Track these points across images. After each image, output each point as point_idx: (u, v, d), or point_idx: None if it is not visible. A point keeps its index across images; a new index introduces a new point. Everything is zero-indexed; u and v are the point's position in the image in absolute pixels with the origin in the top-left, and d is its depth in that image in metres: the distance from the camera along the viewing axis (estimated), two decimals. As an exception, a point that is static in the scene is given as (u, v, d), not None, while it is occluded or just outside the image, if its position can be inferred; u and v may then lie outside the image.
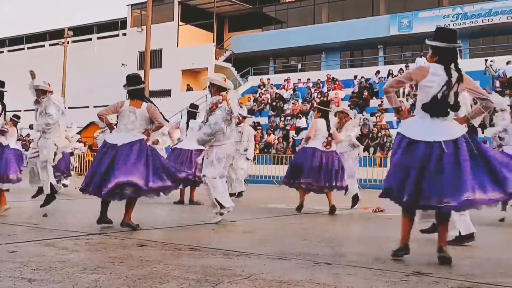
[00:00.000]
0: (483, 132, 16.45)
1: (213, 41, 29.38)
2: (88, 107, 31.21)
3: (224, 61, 29.31)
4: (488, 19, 23.07)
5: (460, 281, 2.93)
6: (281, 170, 16.57)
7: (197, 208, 7.62)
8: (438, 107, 3.51)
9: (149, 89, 21.73)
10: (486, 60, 20.73)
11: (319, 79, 24.10)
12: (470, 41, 24.56)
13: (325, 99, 21.99)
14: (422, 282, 2.95)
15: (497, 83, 19.59)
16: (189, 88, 28.72)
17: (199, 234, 4.98)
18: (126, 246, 4.03)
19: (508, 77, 19.23)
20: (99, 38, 33.84)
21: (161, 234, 4.85)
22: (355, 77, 23.35)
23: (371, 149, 17.03)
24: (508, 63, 19.87)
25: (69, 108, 29.63)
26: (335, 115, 7.96)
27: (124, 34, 32.03)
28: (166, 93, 28.55)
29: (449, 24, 23.73)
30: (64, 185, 10.27)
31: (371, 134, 17.57)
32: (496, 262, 3.70)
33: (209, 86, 5.80)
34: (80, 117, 25.37)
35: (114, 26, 33.50)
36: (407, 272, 3.17)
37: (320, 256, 3.71)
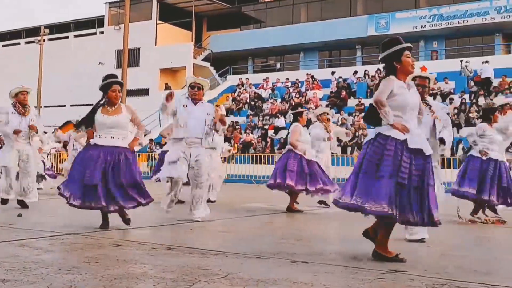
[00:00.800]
0: (458, 132, 16.80)
1: (192, 40, 29.22)
2: (64, 106, 30.70)
3: (202, 60, 29.19)
4: (464, 21, 23.47)
5: (434, 278, 2.97)
6: (260, 170, 16.63)
7: (175, 207, 7.56)
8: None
9: (126, 88, 21.50)
10: (461, 61, 21.11)
11: (297, 79, 24.22)
12: (446, 42, 25.00)
13: (303, 98, 22.24)
14: (397, 280, 2.97)
15: (471, 83, 20.03)
16: (167, 87, 28.47)
17: (176, 233, 4.96)
18: (102, 246, 3.98)
19: (482, 77, 19.68)
20: (76, 36, 33.29)
21: (138, 233, 4.80)
22: (333, 73, 23.55)
23: (349, 149, 17.19)
24: (484, 62, 20.29)
25: (45, 107, 29.34)
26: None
27: (102, 33, 31.59)
28: (144, 92, 28.28)
29: (425, 25, 24.19)
30: (39, 189, 10.10)
31: (348, 134, 17.71)
32: (470, 260, 3.77)
33: (195, 87, 5.72)
34: (56, 116, 24.95)
35: (91, 24, 33.01)
36: (382, 270, 3.20)
37: (298, 255, 3.72)
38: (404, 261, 3.46)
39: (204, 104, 5.82)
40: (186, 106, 5.65)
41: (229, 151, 9.01)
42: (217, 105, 5.93)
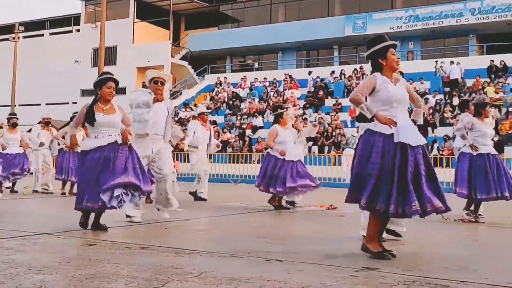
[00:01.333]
0: (433, 132, 17.11)
1: (169, 39, 29.03)
2: (39, 104, 30.13)
3: (180, 59, 29.03)
4: (439, 22, 23.85)
5: (406, 275, 3.01)
6: (237, 169, 16.62)
7: (150, 206, 7.51)
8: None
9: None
10: (436, 62, 21.48)
11: (275, 78, 24.29)
12: (422, 42, 25.38)
13: (281, 98, 22.32)
14: (370, 277, 3.00)
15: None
16: (144, 86, 28.16)
17: (151, 233, 4.92)
18: (74, 246, 3.92)
19: (451, 78, 20.09)
20: (51, 34, 32.72)
21: (111, 233, 4.73)
22: (310, 73, 23.70)
23: (326, 148, 17.33)
24: (452, 63, 20.69)
25: (19, 105, 28.66)
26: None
27: (78, 30, 31.11)
28: (121, 90, 27.85)
29: (401, 26, 24.54)
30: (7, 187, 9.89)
31: (326, 133, 17.87)
32: (441, 257, 3.82)
33: (158, 82, 5.60)
34: (31, 115, 24.46)
35: (67, 21, 32.48)
36: (356, 268, 3.22)
37: (272, 253, 3.71)
38: (388, 258, 3.51)
39: (166, 101, 5.68)
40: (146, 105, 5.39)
41: (217, 146, 8.91)
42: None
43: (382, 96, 3.58)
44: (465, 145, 6.25)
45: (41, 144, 9.83)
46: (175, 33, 30.44)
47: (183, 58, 29.18)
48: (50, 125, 10.30)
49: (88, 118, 4.69)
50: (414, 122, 3.78)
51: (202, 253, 3.68)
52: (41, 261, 3.27)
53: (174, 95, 27.00)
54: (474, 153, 6.09)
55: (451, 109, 17.81)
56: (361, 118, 3.66)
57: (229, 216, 6.50)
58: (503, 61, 20.23)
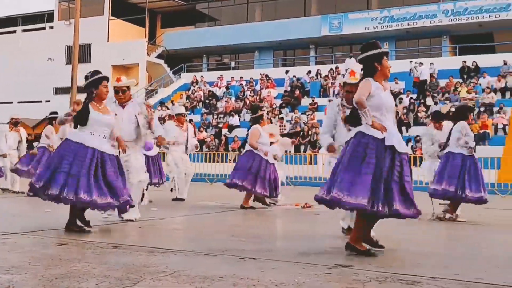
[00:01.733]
0: (407, 131, 17.40)
1: (145, 37, 28.72)
2: (11, 102, 29.41)
3: (156, 57, 28.75)
4: (413, 23, 24.16)
5: (379, 272, 3.05)
6: (213, 168, 16.56)
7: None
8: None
9: (76, 84, 20.83)
10: (411, 62, 21.78)
11: (251, 78, 24.29)
12: (397, 43, 25.66)
13: (258, 97, 22.34)
14: (343, 274, 3.03)
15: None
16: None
17: (124, 232, 4.86)
18: (45, 246, 3.84)
19: (421, 79, 20.50)
20: (24, 30, 31.96)
21: (85, 233, 4.65)
22: (286, 72, 23.79)
23: (302, 147, 17.43)
24: (421, 64, 20.90)
25: (-10, 103, 27.88)
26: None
27: (51, 27, 30.47)
28: (96, 89, 27.47)
29: (377, 26, 24.76)
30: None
31: (302, 132, 17.98)
32: (415, 254, 3.89)
33: (119, 92, 5.50)
34: (2, 113, 23.81)
35: (40, 18, 31.78)
36: (329, 265, 3.25)
37: (247, 251, 3.72)
38: (375, 255, 3.61)
39: (133, 104, 5.51)
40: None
41: (196, 146, 8.74)
42: (147, 105, 5.70)
43: (374, 102, 3.66)
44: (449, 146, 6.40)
45: (4, 155, 9.58)
46: (151, 31, 30.12)
47: (159, 56, 28.89)
48: (18, 125, 10.04)
49: (82, 117, 4.59)
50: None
51: (176, 252, 3.65)
52: (10, 261, 3.19)
53: (150, 93, 26.72)
54: (466, 153, 6.23)
55: (425, 109, 18.13)
56: (352, 119, 3.79)
57: (204, 215, 6.47)
58: (475, 62, 20.64)
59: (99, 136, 4.60)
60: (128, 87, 5.52)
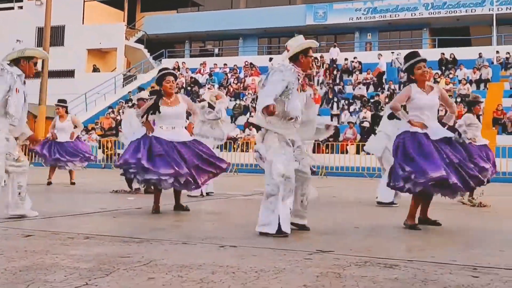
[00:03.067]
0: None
1: (124, 20, 28.26)
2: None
3: (135, 42, 28.36)
4: (395, 15, 25.00)
5: (358, 257, 3.13)
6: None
7: (97, 195, 7.31)
8: None
9: (48, 69, 20.41)
10: (392, 53, 22.38)
11: (235, 65, 24.17)
12: (379, 34, 26.46)
13: (241, 85, 22.21)
14: (324, 259, 3.07)
15: (402, 74, 21.05)
16: (95, 69, 27.42)
17: (96, 222, 4.75)
18: (9, 237, 3.69)
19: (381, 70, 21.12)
20: (-9, 10, 31.12)
21: (52, 223, 4.52)
22: (270, 59, 23.76)
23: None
24: (380, 56, 21.74)
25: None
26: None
27: (20, 7, 29.68)
28: (69, 73, 27.05)
29: (360, 17, 25.43)
30: None
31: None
32: (394, 239, 4.00)
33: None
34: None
35: (9, -3, 30.94)
36: (310, 251, 3.29)
37: (226, 239, 3.70)
38: (419, 229, 4.33)
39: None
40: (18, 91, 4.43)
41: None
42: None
43: (415, 104, 4.51)
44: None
45: None
46: (130, 15, 29.67)
47: (139, 41, 28.52)
48: None
49: (153, 110, 5.27)
50: (444, 124, 4.72)
51: (152, 241, 3.58)
52: (-31, 253, 3.04)
53: (128, 79, 26.37)
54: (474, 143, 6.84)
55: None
56: (392, 116, 5.05)
57: (182, 204, 6.37)
58: (453, 54, 21.65)
59: (167, 129, 5.26)
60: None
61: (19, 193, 4.57)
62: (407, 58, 4.65)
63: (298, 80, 4.03)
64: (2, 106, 4.36)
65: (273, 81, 3.95)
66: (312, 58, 4.32)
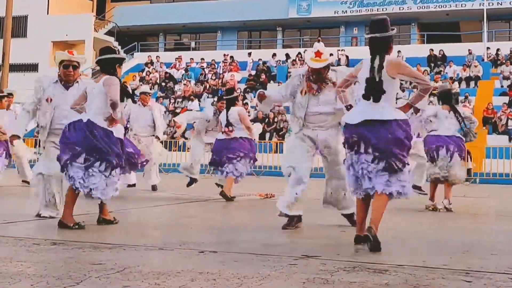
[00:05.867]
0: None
1: (93, 11, 27.93)
2: None
3: (105, 34, 28.07)
4: (383, 8, 25.17)
5: (346, 262, 3.16)
6: (169, 157, 16.30)
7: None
8: (365, 93, 3.88)
9: (9, 62, 20.06)
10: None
11: (213, 60, 24.10)
12: (366, 28, 26.27)
13: (220, 81, 22.16)
14: (309, 265, 3.09)
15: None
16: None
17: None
18: (-32, 243, 3.61)
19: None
20: None
21: (15, 229, 4.44)
22: (249, 54, 23.79)
23: (267, 135, 17.43)
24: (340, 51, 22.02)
25: None
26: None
27: (-20, -4, 29.14)
28: (32, 67, 26.62)
29: (346, 11, 25.58)
30: None
31: (267, 119, 17.98)
32: (383, 243, 3.90)
33: (69, 66, 5.02)
34: None
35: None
36: (295, 256, 3.31)
37: (206, 244, 3.70)
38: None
39: (82, 85, 4.97)
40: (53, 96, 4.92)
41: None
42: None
43: None
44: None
45: None
46: (100, 5, 29.36)
47: (109, 33, 28.24)
48: None
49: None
50: None
51: (125, 247, 3.55)
52: None
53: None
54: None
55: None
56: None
57: (159, 207, 6.40)
58: (442, 50, 21.95)
59: None
60: (79, 64, 5.11)
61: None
62: (371, 23, 4.37)
63: (300, 83, 4.69)
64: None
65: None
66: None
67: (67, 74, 4.96)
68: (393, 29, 4.14)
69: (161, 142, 9.19)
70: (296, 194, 4.50)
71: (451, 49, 21.92)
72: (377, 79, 3.82)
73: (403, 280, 2.73)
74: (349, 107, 4.09)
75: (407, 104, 4.00)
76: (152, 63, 25.20)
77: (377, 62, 3.95)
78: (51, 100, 4.94)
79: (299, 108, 4.65)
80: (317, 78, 4.59)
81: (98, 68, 4.85)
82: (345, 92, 4.14)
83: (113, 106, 4.30)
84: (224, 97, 7.88)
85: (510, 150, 14.28)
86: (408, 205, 6.51)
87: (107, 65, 4.58)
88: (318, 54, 4.52)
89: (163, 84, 23.27)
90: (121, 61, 4.77)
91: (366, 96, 3.82)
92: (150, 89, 22.91)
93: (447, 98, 6.67)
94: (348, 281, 2.68)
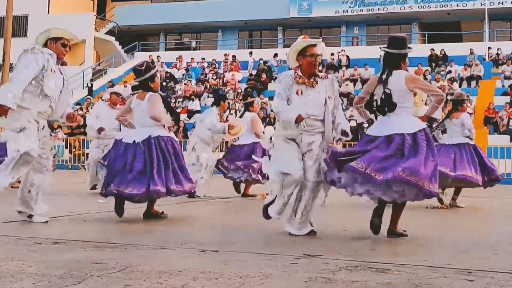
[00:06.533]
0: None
1: (93, 11, 27.94)
2: None
3: (106, 33, 28.06)
4: (384, 8, 25.25)
5: (348, 261, 3.16)
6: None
7: (65, 198, 7.22)
8: (379, 107, 4.16)
9: (9, 61, 20.04)
10: (380, 48, 22.34)
11: (214, 59, 24.10)
12: (367, 28, 26.68)
13: (220, 80, 22.16)
14: (311, 264, 3.08)
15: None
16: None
17: (66, 226, 4.69)
18: (-30, 243, 3.62)
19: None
20: None
21: (17, 227, 4.45)
22: (250, 53, 23.78)
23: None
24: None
25: None
26: None
27: (-20, -5, 29.15)
28: (34, 67, 26.58)
29: (347, 10, 25.55)
30: None
31: (268, 119, 17.99)
32: (385, 242, 4.04)
33: (67, 46, 4.98)
34: None
35: (-33, -16, 30.32)
36: (297, 255, 3.30)
37: (207, 243, 3.70)
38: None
39: (62, 70, 4.80)
40: (54, 71, 4.65)
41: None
42: None
43: None
44: None
45: None
46: (100, 5, 29.35)
47: (109, 33, 28.23)
48: None
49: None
50: None
51: (127, 246, 3.56)
52: None
53: (98, 74, 26.07)
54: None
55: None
56: None
57: (160, 207, 6.32)
58: (443, 50, 21.91)
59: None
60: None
61: (29, 191, 4.55)
62: (389, 40, 4.27)
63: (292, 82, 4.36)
64: (36, 87, 4.43)
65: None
66: (315, 56, 4.32)
67: (63, 52, 4.82)
68: (410, 48, 4.31)
69: None
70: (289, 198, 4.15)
71: (452, 48, 21.90)
72: (388, 92, 4.05)
73: (405, 279, 2.73)
74: (370, 121, 4.29)
75: (425, 115, 4.28)
76: (152, 62, 25.15)
77: (385, 76, 4.14)
78: (54, 71, 4.62)
79: (299, 108, 4.36)
80: (308, 68, 4.25)
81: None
82: (363, 107, 4.32)
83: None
84: (242, 102, 8.08)
85: (511, 150, 14.26)
86: (410, 204, 6.52)
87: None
88: (305, 38, 4.35)
89: (164, 83, 23.24)
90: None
91: (380, 110, 4.09)
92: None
93: (460, 105, 6.96)
94: (350, 280, 2.69)
